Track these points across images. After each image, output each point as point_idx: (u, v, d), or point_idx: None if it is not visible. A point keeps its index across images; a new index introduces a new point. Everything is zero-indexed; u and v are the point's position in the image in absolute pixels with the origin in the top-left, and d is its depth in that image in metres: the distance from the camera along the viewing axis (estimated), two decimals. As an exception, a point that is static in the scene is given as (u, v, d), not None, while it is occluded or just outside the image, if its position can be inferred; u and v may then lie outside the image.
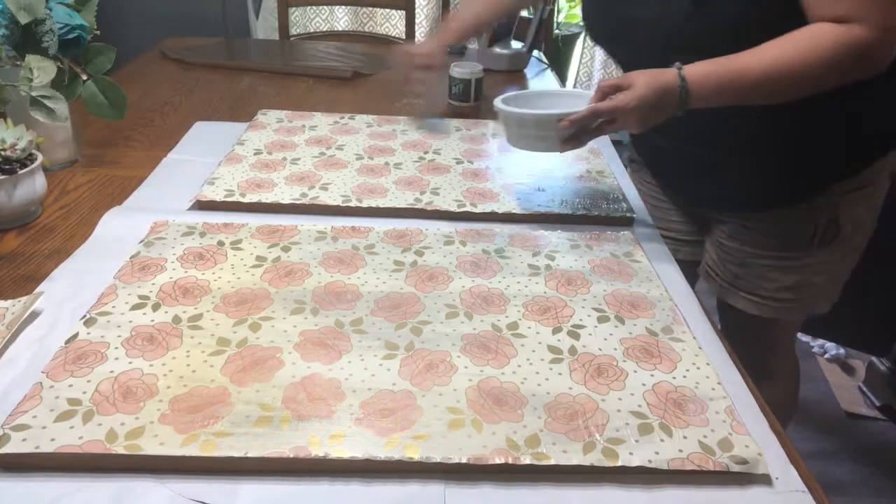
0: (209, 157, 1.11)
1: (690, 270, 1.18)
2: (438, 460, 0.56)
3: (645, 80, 0.81)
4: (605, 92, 0.84)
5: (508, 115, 0.92)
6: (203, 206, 0.96)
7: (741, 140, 0.93)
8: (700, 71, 0.81)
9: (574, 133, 0.86)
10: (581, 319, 0.74)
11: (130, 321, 0.70)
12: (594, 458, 0.56)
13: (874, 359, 1.87)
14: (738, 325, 1.10)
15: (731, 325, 1.13)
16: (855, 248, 1.01)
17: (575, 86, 3.44)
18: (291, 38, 2.08)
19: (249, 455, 0.55)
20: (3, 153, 0.86)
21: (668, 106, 0.82)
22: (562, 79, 2.55)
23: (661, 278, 0.83)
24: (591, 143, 1.20)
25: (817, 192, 0.94)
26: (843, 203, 0.95)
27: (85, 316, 0.71)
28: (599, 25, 1.02)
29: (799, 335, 1.49)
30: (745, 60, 0.80)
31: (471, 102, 1.42)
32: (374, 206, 0.96)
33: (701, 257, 1.16)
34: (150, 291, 0.75)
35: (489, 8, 1.22)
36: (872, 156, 0.94)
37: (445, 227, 0.93)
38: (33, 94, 0.88)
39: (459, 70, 1.40)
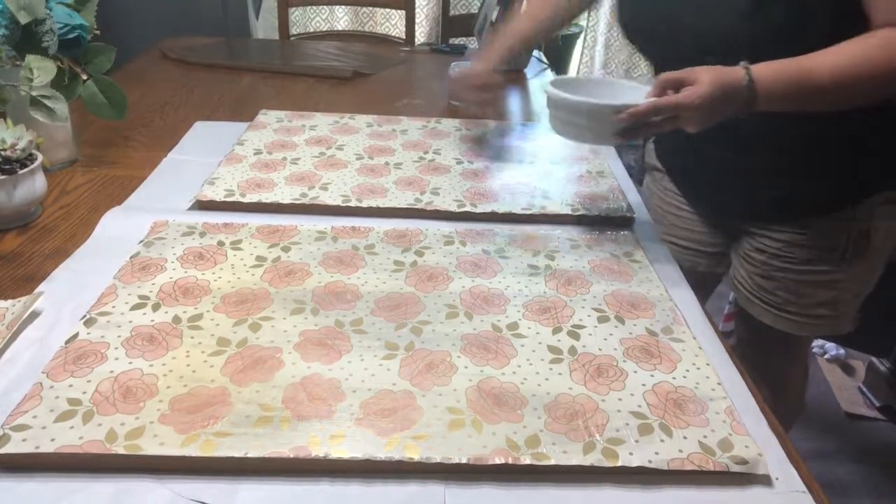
0: (209, 157, 1.10)
1: (709, 283, 1.16)
2: (438, 460, 0.56)
3: (711, 78, 0.76)
4: (664, 86, 0.79)
5: (562, 100, 0.85)
6: (203, 206, 0.96)
7: (782, 147, 0.91)
8: (768, 71, 0.76)
9: (629, 127, 0.81)
10: (581, 319, 0.74)
11: (130, 321, 0.70)
12: (594, 459, 0.56)
13: (874, 359, 1.87)
14: (758, 337, 1.08)
15: (750, 336, 1.11)
16: (881, 260, 0.98)
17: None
18: (291, 38, 2.08)
19: (249, 455, 0.55)
20: (3, 153, 0.86)
21: (731, 106, 0.77)
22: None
23: (661, 278, 0.83)
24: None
25: (854, 203, 0.92)
26: (877, 214, 0.92)
27: (85, 316, 0.71)
28: (640, 26, 0.98)
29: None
30: (813, 63, 0.76)
31: (471, 102, 1.42)
32: (374, 206, 0.96)
33: (722, 269, 1.13)
34: (150, 291, 0.75)
35: (531, 27, 1.15)
36: None
37: (445, 227, 0.93)
38: (33, 94, 0.88)
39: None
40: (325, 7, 2.82)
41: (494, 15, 1.61)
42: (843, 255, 0.94)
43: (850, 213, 0.92)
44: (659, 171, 1.15)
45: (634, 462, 0.56)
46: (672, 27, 0.89)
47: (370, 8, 2.83)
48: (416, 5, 2.29)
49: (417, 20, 2.74)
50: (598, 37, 3.16)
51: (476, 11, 1.76)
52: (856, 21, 0.78)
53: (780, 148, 0.91)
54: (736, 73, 0.77)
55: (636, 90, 0.89)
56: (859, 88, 0.77)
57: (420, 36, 2.85)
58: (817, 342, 2.04)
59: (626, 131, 0.81)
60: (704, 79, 0.76)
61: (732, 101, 0.77)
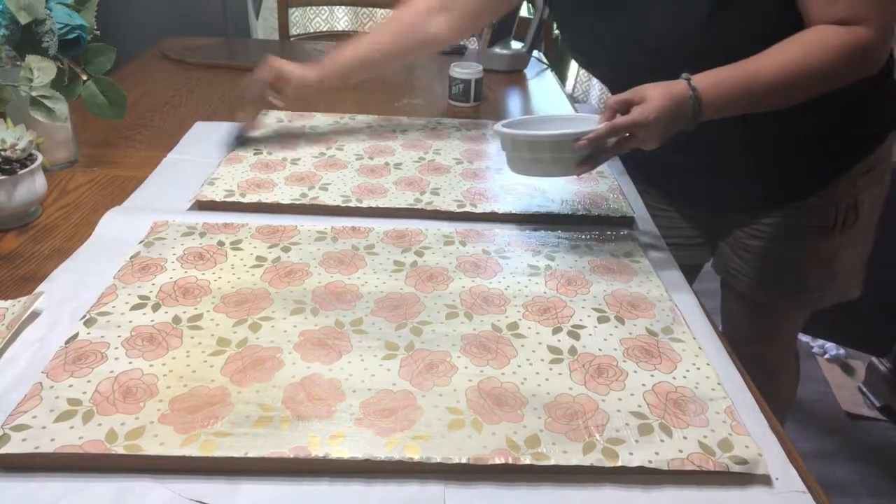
0: (209, 157, 1.10)
1: (691, 274, 1.18)
2: (438, 460, 0.56)
3: (659, 93, 0.78)
4: (614, 109, 0.80)
5: (517, 139, 0.85)
6: (203, 206, 0.96)
7: (759, 140, 0.93)
8: (709, 80, 0.78)
9: (590, 153, 0.81)
10: (581, 320, 0.74)
11: (130, 321, 0.70)
12: (594, 459, 0.56)
13: (874, 359, 1.87)
14: (744, 321, 1.10)
15: (736, 321, 1.13)
16: (872, 225, 1.02)
17: (575, 87, 3.43)
18: (291, 38, 2.08)
19: (249, 455, 0.55)
20: (3, 153, 0.86)
21: (681, 119, 0.79)
22: (562, 79, 2.55)
23: (661, 278, 0.83)
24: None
25: (838, 178, 0.95)
26: (860, 184, 0.96)
27: (85, 316, 0.71)
28: (589, 48, 0.99)
29: (799, 335, 1.49)
30: (754, 66, 0.78)
31: (471, 102, 1.42)
32: (374, 206, 0.96)
33: (703, 260, 1.15)
34: (150, 291, 0.75)
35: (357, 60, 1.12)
36: (885, 132, 0.96)
37: (445, 227, 0.93)
38: (33, 94, 0.88)
39: (459, 70, 1.40)
40: (325, 7, 2.82)
41: (494, 15, 1.60)
42: (835, 227, 0.98)
43: (834, 189, 0.96)
44: (632, 173, 1.16)
45: (634, 462, 0.56)
46: (625, 47, 0.91)
47: (370, 8, 2.83)
48: (416, 5, 2.28)
49: (417, 20, 2.73)
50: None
51: (476, 11, 1.76)
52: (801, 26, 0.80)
53: (759, 141, 0.93)
54: (679, 85, 0.78)
55: (583, 120, 0.90)
56: (803, 85, 0.79)
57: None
58: (817, 342, 2.04)
59: (588, 158, 0.82)
60: (653, 94, 0.77)
61: (681, 113, 0.78)
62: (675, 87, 0.78)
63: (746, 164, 0.97)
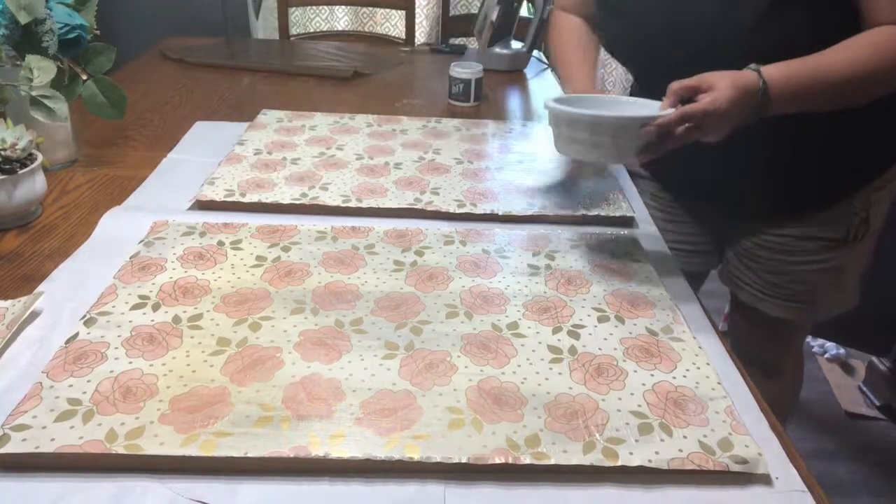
0: (209, 157, 1.10)
1: (696, 282, 1.17)
2: (438, 460, 0.56)
3: (729, 82, 0.73)
4: (679, 94, 0.75)
5: (576, 118, 0.77)
6: (203, 206, 0.96)
7: (790, 142, 0.91)
8: (780, 73, 0.74)
9: (652, 141, 0.75)
10: (581, 319, 0.74)
11: (130, 321, 0.70)
12: (594, 458, 0.56)
13: (874, 359, 1.87)
14: (754, 328, 1.09)
15: (746, 328, 1.12)
16: (875, 239, 1.02)
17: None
18: (291, 38, 2.08)
19: (249, 455, 0.55)
20: (3, 153, 0.86)
21: (748, 111, 0.74)
22: (562, 79, 2.56)
23: (660, 278, 0.83)
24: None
25: (854, 193, 0.95)
26: (873, 199, 0.96)
27: (85, 316, 0.71)
28: (632, 35, 0.93)
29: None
30: (824, 63, 0.75)
31: (471, 102, 1.42)
32: (374, 206, 0.96)
33: (711, 267, 1.14)
34: (150, 291, 0.75)
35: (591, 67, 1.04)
36: None
37: (445, 227, 0.93)
38: (33, 94, 0.88)
39: (459, 70, 1.40)
40: (325, 7, 2.82)
41: (494, 15, 1.61)
42: (847, 240, 0.97)
43: (849, 203, 0.95)
44: (644, 178, 1.15)
45: (634, 461, 0.56)
46: (672, 42, 0.87)
47: (370, 8, 2.83)
48: (416, 5, 2.29)
49: (417, 20, 2.73)
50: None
51: (476, 11, 1.76)
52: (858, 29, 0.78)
53: (785, 145, 0.92)
54: (748, 76, 0.75)
55: (637, 104, 0.84)
56: (869, 85, 0.77)
57: (420, 36, 2.85)
58: (817, 342, 2.04)
59: (649, 146, 0.76)
60: (722, 83, 0.73)
61: (748, 105, 0.74)
62: (743, 77, 0.74)
63: (773, 165, 0.94)
